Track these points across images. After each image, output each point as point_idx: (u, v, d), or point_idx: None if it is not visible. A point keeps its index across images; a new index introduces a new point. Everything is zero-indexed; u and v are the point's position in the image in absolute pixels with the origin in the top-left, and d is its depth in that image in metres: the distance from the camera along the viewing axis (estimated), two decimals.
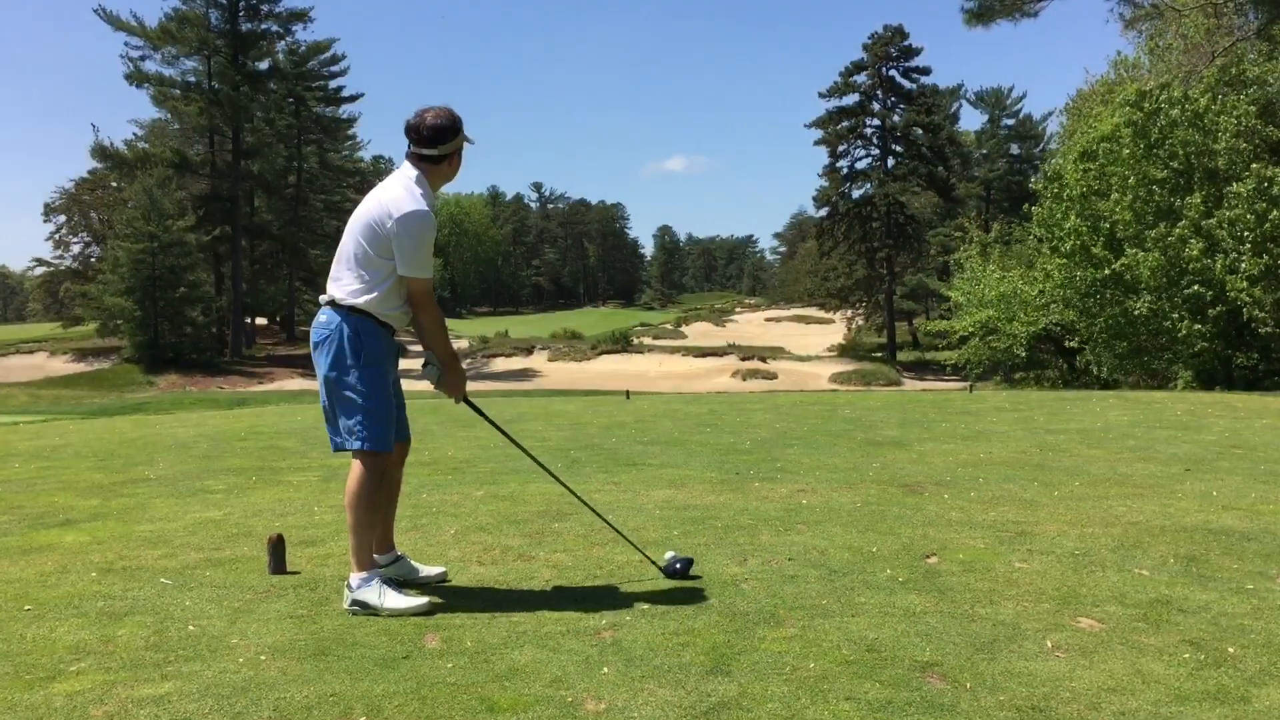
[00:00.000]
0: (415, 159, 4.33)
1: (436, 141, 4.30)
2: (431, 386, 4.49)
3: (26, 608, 4.23)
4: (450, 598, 4.31)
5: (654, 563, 4.66)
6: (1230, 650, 3.60)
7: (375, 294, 4.25)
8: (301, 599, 4.33)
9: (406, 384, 4.61)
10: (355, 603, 4.15)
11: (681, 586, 4.41)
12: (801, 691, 3.22)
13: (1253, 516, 5.87)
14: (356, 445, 4.28)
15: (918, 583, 4.45)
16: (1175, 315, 23.86)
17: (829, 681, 3.30)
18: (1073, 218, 25.60)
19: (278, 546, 4.78)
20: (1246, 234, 22.62)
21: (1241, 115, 23.83)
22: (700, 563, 4.75)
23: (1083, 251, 25.56)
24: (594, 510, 4.85)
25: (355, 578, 4.21)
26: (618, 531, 4.83)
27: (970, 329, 33.88)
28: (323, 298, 4.38)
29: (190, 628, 3.95)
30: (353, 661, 3.54)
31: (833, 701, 3.14)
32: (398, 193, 4.22)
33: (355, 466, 4.31)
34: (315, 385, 4.48)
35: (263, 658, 3.59)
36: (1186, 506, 6.15)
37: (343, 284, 4.29)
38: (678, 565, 4.57)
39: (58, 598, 4.39)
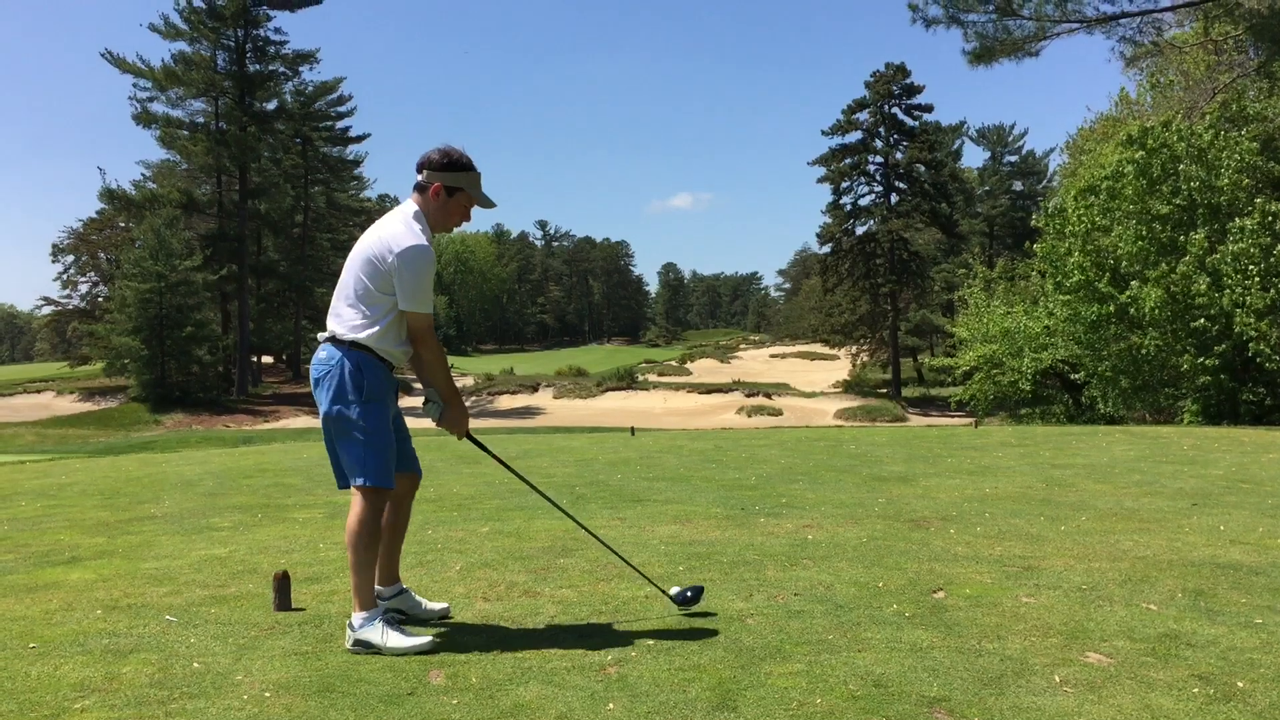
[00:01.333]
0: (414, 191, 4.38)
1: (421, 167, 4.34)
2: (433, 424, 4.49)
3: (31, 645, 4.23)
4: (455, 634, 4.30)
5: (665, 593, 4.63)
6: (1240, 684, 3.58)
7: (375, 329, 4.25)
8: (306, 636, 4.32)
9: (411, 421, 4.62)
10: (358, 643, 4.13)
11: (687, 622, 4.39)
12: None
13: (1260, 551, 5.84)
14: (359, 481, 4.27)
15: (924, 618, 4.43)
16: (1179, 348, 23.85)
17: (835, 717, 3.28)
18: (1076, 254, 25.66)
19: (283, 583, 4.77)
20: (1252, 268, 22.64)
21: (1244, 151, 23.93)
22: (706, 598, 4.74)
23: (1087, 287, 25.59)
24: (603, 543, 4.80)
25: (357, 617, 4.19)
26: (627, 563, 4.77)
27: (974, 364, 33.86)
28: (322, 335, 4.38)
29: (195, 665, 3.94)
30: (357, 698, 3.53)
31: None
32: (397, 228, 4.24)
33: (356, 503, 4.30)
34: (319, 424, 4.48)
35: (267, 695, 3.58)
36: (1194, 541, 6.13)
37: (343, 319, 4.30)
38: (688, 594, 4.54)
39: (62, 635, 4.38)
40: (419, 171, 4.35)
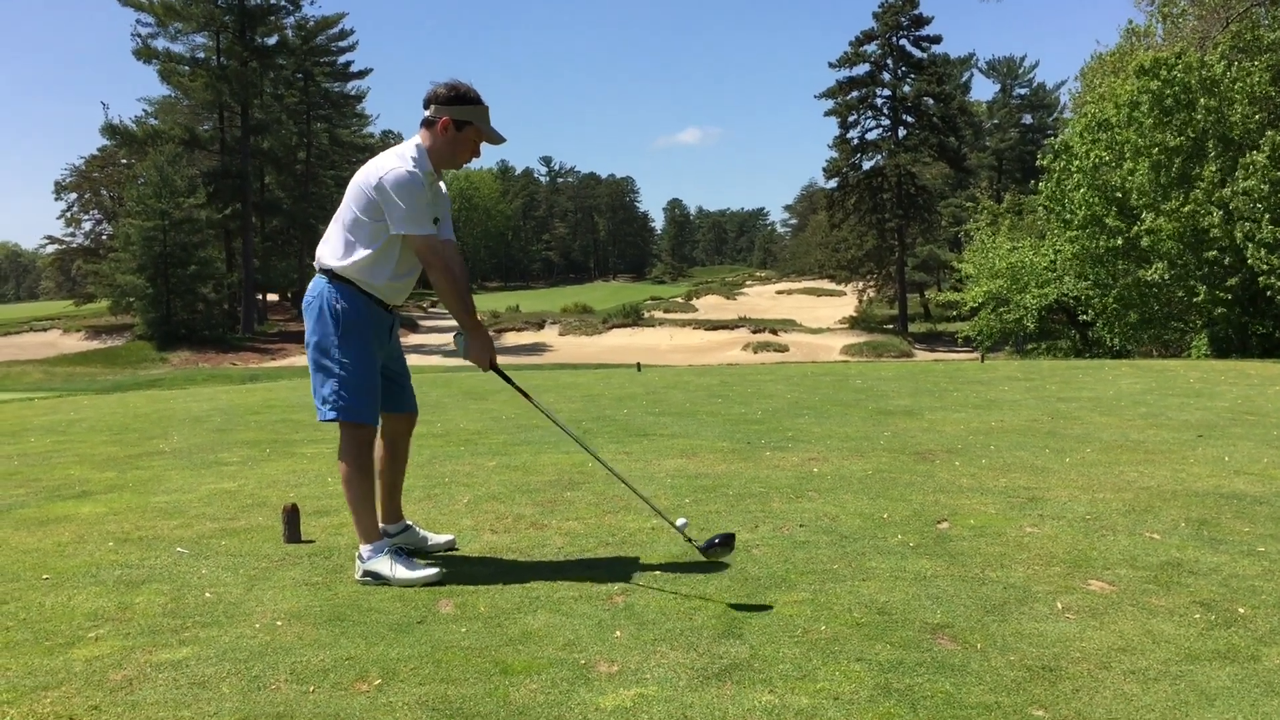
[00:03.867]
0: (422, 127, 4.33)
1: (428, 102, 4.28)
2: (462, 359, 4.42)
3: (45, 577, 4.28)
4: (463, 565, 4.34)
5: (674, 526, 4.44)
6: (1241, 611, 3.61)
7: (357, 258, 4.19)
8: (316, 567, 4.36)
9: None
10: (367, 573, 4.18)
11: (693, 554, 4.41)
12: (813, 653, 3.24)
13: (1264, 481, 5.86)
14: (331, 415, 4.24)
15: (928, 548, 4.46)
16: (1192, 282, 23.75)
17: (840, 643, 3.32)
18: (1083, 190, 25.45)
19: (292, 516, 4.81)
20: (1261, 203, 22.46)
21: (1256, 83, 23.61)
22: (712, 530, 4.74)
23: (1095, 222, 25.42)
24: (617, 475, 4.65)
25: (364, 549, 4.23)
26: (640, 495, 4.64)
27: (980, 300, 33.79)
28: (316, 264, 4.37)
29: (207, 595, 3.99)
30: (368, 627, 3.58)
31: (844, 663, 3.16)
32: (387, 158, 4.22)
33: (340, 439, 4.31)
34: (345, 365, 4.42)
35: (279, 623, 3.63)
36: (1198, 472, 6.15)
37: (330, 247, 4.27)
38: (716, 541, 4.25)
39: (75, 567, 4.43)
40: (426, 107, 4.29)
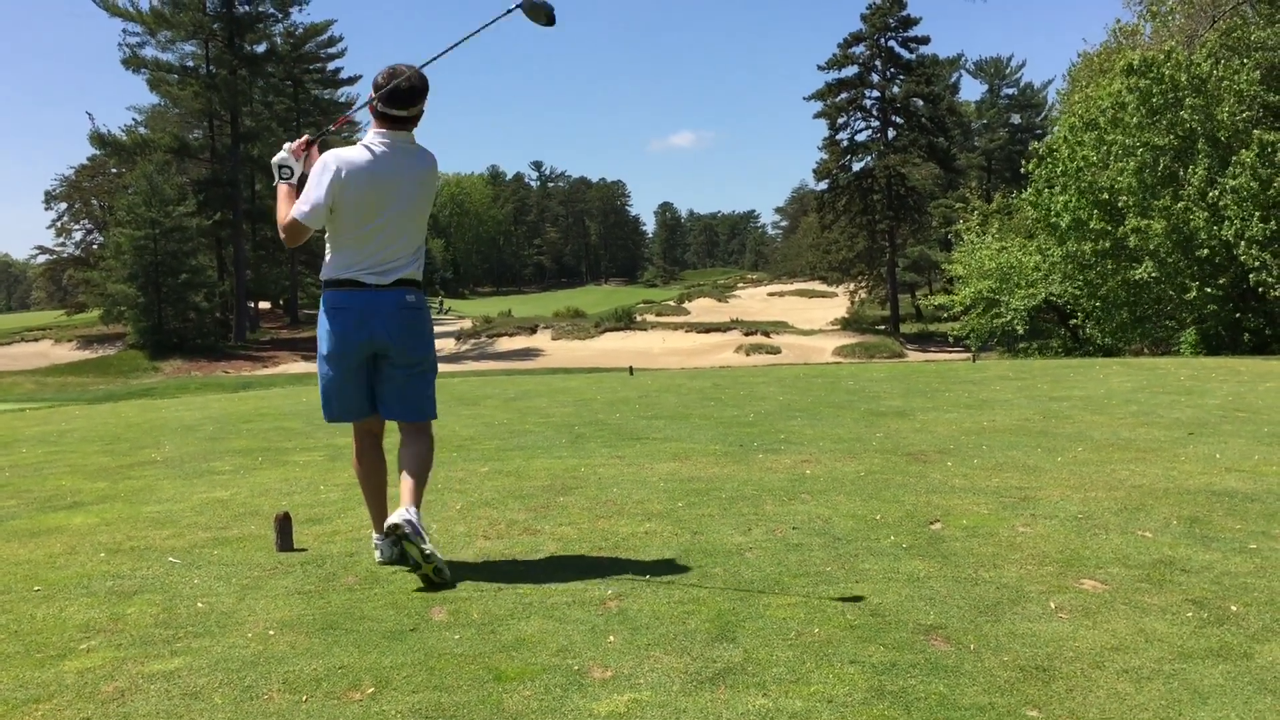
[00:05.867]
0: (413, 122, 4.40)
1: (419, 95, 4.36)
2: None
3: (36, 588, 4.26)
4: (456, 571, 4.33)
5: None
6: (1233, 608, 3.62)
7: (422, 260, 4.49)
8: (309, 575, 4.35)
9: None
10: (411, 523, 4.05)
11: (687, 557, 4.42)
12: (806, 656, 3.24)
13: (1256, 478, 5.88)
14: (434, 414, 4.56)
15: (921, 548, 4.46)
16: (1182, 280, 23.80)
17: (834, 645, 3.32)
18: (1065, 194, 25.49)
19: (284, 524, 4.80)
20: (1250, 201, 22.52)
21: (1244, 82, 23.67)
22: (705, 533, 4.77)
23: (1079, 226, 25.46)
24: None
25: (414, 510, 4.16)
26: None
27: (969, 302, 33.84)
28: (393, 277, 4.43)
29: (199, 605, 3.98)
30: (360, 635, 3.57)
31: (838, 665, 3.16)
32: (420, 149, 4.44)
33: (428, 434, 4.56)
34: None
35: (271, 632, 3.61)
36: (1190, 469, 6.16)
37: (408, 254, 4.47)
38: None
39: (67, 578, 4.42)
40: (416, 101, 4.35)
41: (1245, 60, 24.40)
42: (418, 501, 4.27)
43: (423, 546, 4.02)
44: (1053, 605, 3.68)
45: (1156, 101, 24.11)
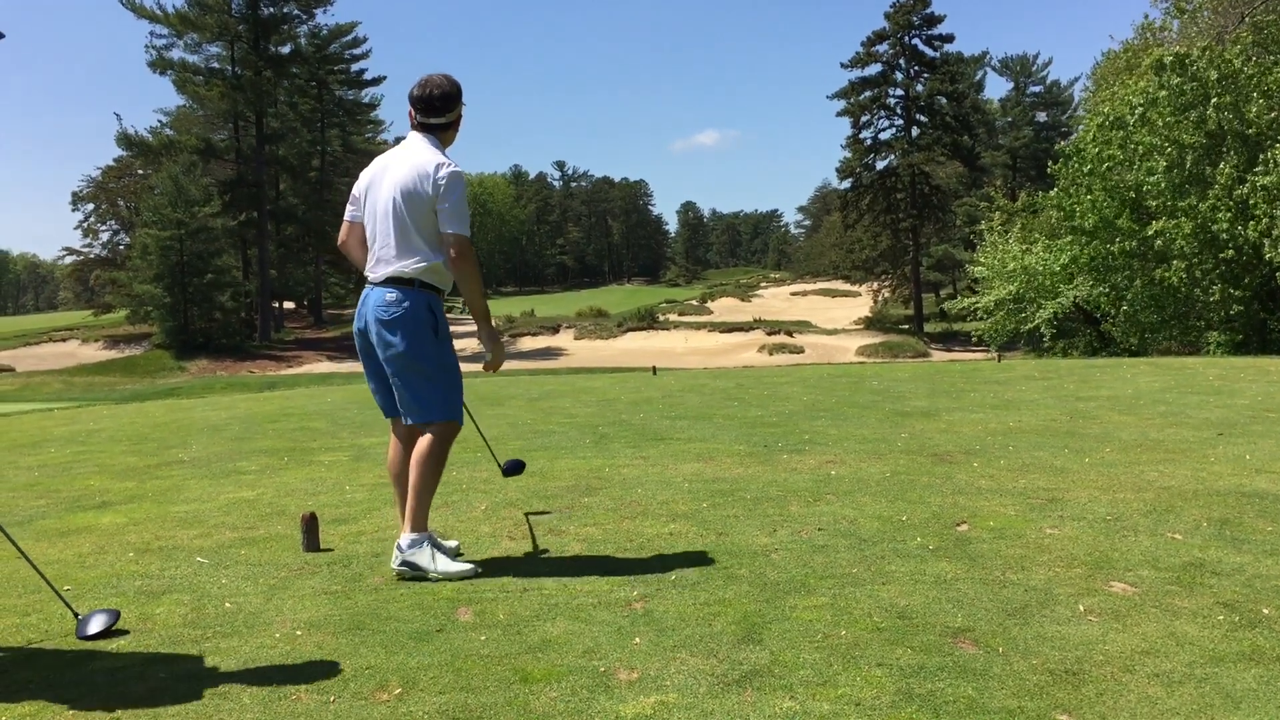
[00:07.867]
0: (443, 129, 4.44)
1: (452, 101, 4.42)
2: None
3: (66, 588, 4.29)
4: (482, 571, 4.34)
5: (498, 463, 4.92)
6: (1265, 611, 3.58)
7: (435, 260, 4.35)
8: (335, 575, 4.37)
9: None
10: (405, 563, 4.22)
11: (712, 558, 4.41)
12: (833, 658, 3.22)
13: None
14: (439, 416, 4.46)
15: (948, 550, 4.44)
16: (1207, 282, 23.57)
17: (860, 648, 3.30)
18: (1092, 193, 25.28)
19: (311, 525, 4.83)
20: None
21: (1273, 81, 23.41)
22: (730, 534, 4.77)
23: (1107, 226, 25.25)
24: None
25: (406, 538, 4.26)
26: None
27: (993, 304, 33.56)
28: (378, 274, 4.39)
29: (227, 605, 4.00)
30: (387, 635, 3.58)
31: (864, 668, 3.14)
32: (431, 153, 4.33)
33: (433, 436, 4.42)
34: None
35: (299, 633, 3.63)
36: (1219, 470, 6.10)
37: (404, 253, 4.36)
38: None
39: (96, 578, 4.45)
40: (449, 108, 4.40)
41: (1277, 57, 24.13)
42: (416, 521, 4.29)
43: (430, 577, 4.18)
44: (1082, 608, 3.65)
45: (1187, 99, 23.87)
